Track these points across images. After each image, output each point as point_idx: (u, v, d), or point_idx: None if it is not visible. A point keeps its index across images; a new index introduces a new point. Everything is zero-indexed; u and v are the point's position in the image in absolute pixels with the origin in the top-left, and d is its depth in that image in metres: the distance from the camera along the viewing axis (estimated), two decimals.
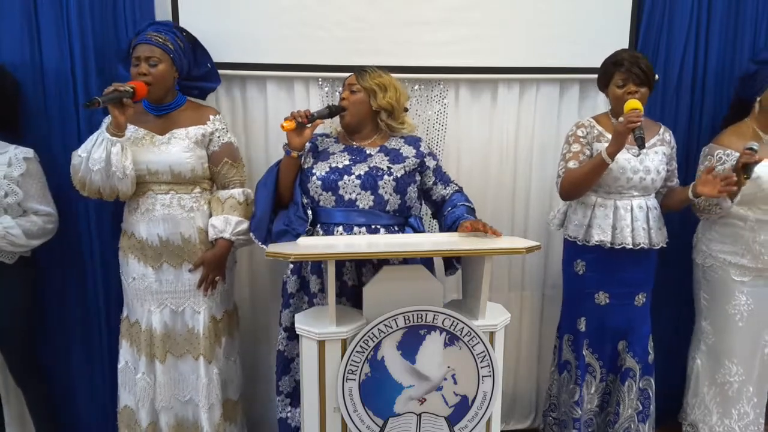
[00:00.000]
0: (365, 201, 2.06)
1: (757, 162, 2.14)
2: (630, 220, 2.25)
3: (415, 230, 2.14)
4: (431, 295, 1.90)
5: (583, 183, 2.21)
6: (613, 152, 2.09)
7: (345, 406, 1.84)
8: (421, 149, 2.17)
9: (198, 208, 2.15)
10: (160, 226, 2.10)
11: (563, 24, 2.51)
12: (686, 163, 2.62)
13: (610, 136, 2.19)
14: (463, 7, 2.43)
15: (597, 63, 2.31)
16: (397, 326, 1.83)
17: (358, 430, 1.85)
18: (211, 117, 2.19)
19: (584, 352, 2.39)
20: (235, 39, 2.38)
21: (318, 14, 2.39)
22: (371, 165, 2.07)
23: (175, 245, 2.13)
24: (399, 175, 2.08)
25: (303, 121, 2.04)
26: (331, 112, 2.12)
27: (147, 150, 2.08)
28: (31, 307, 2.27)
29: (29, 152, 2.16)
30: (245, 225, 2.15)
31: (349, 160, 2.10)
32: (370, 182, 2.05)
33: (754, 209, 2.34)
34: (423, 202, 2.23)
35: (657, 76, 2.54)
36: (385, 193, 2.06)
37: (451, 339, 1.87)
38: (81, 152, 2.01)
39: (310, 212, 2.09)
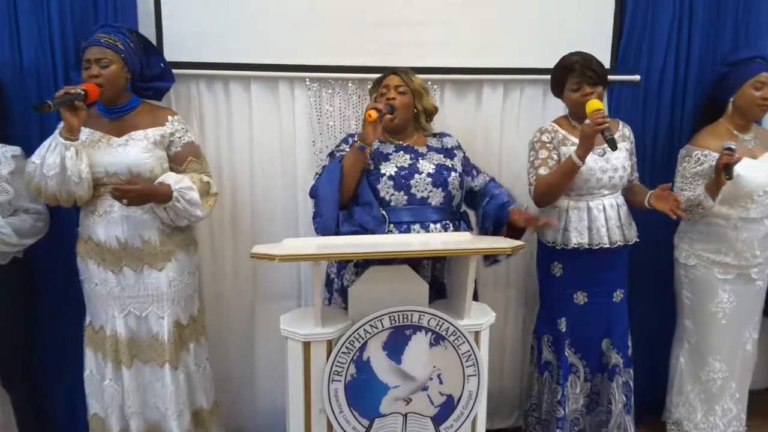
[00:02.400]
0: (437, 198, 2.10)
1: (736, 162, 2.18)
2: (604, 220, 2.28)
3: (468, 225, 2.22)
4: (417, 295, 1.90)
5: (556, 188, 2.23)
6: (582, 155, 2.11)
7: (331, 408, 1.83)
8: (457, 141, 2.25)
9: (165, 218, 2.10)
10: (118, 228, 2.06)
11: (547, 26, 2.53)
12: (667, 162, 2.65)
13: (574, 139, 2.21)
14: (449, 8, 2.43)
15: None
16: (383, 327, 1.82)
17: (344, 431, 1.84)
18: (170, 118, 2.16)
19: (566, 353, 2.40)
20: (218, 39, 2.36)
21: (304, 14, 2.38)
22: (435, 163, 2.12)
23: (135, 247, 2.09)
24: (460, 171, 2.17)
25: (383, 110, 2.02)
26: (392, 109, 2.10)
27: (104, 152, 2.05)
28: (24, 309, 2.24)
29: (17, 150, 2.14)
30: (194, 194, 2.06)
31: (411, 159, 2.12)
32: (440, 179, 2.09)
33: (736, 207, 2.37)
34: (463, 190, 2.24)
35: (639, 77, 2.57)
36: (453, 188, 2.13)
37: (437, 339, 1.87)
38: (35, 159, 1.98)
39: (384, 212, 2.07)
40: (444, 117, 2.55)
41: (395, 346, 1.85)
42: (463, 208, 2.30)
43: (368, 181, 2.09)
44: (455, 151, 2.21)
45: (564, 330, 2.39)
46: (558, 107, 2.60)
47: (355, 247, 1.87)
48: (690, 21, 2.59)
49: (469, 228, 2.21)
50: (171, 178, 2.05)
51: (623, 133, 2.38)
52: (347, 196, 2.07)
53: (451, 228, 2.11)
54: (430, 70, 2.46)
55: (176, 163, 2.15)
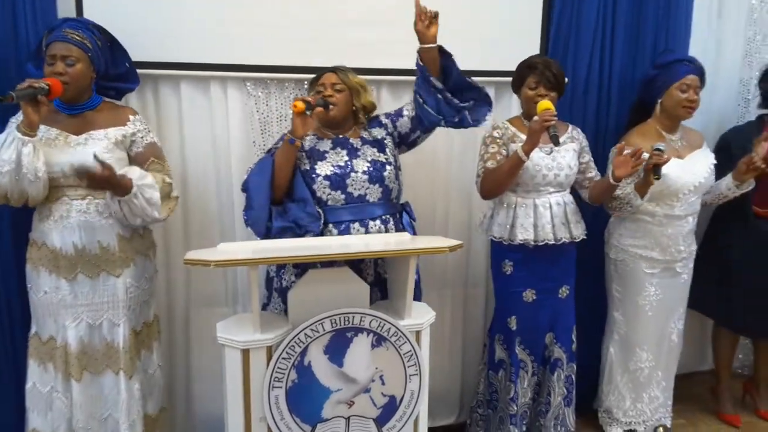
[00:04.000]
0: (375, 194, 2.09)
1: (665, 162, 2.28)
2: (550, 217, 2.33)
3: (410, 216, 2.23)
4: (358, 297, 1.89)
5: (501, 181, 2.28)
6: (528, 150, 2.17)
7: (271, 415, 1.79)
8: (382, 122, 2.23)
9: (117, 212, 2.01)
10: (75, 234, 1.96)
11: (479, 29, 2.56)
12: (595, 162, 2.75)
13: (523, 137, 2.27)
14: (387, 9, 2.43)
15: (511, 67, 2.38)
16: (324, 330, 1.80)
17: None
18: (131, 117, 2.08)
19: (516, 350, 2.45)
20: (144, 36, 2.26)
21: (237, 12, 2.32)
22: (369, 159, 2.10)
23: (92, 254, 1.99)
24: (393, 162, 2.16)
25: (311, 102, 2.00)
26: (326, 103, 2.07)
27: (61, 151, 1.94)
28: None
29: None
30: (155, 194, 1.99)
31: (347, 155, 2.10)
32: (376, 176, 2.09)
33: (661, 205, 2.48)
34: (418, 127, 2.20)
35: (567, 80, 2.66)
36: (390, 182, 2.13)
37: (379, 340, 1.86)
38: None
39: (320, 210, 2.04)
40: None
41: (337, 349, 1.83)
42: (403, 199, 2.27)
43: (304, 181, 2.06)
44: (385, 141, 2.19)
45: (514, 328, 2.43)
46: (501, 107, 2.67)
47: (294, 251, 1.84)
48: (613, 26, 2.69)
49: (411, 219, 2.22)
50: (135, 173, 1.96)
51: (573, 135, 2.45)
52: (280, 190, 2.05)
53: (391, 222, 2.12)
54: (366, 70, 2.44)
55: (137, 164, 2.06)
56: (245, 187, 2.07)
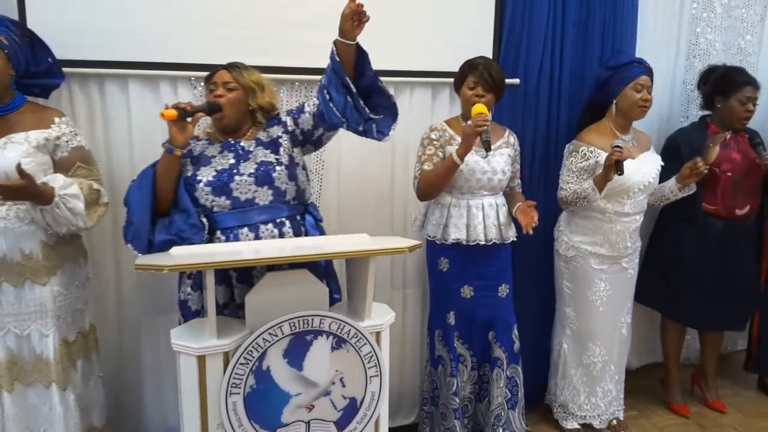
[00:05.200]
0: (265, 197, 1.98)
1: (626, 158, 2.34)
2: (482, 218, 2.37)
3: (315, 218, 2.11)
4: (317, 300, 1.87)
5: (437, 184, 2.31)
6: (462, 154, 2.20)
7: (229, 422, 1.75)
8: (282, 119, 2.10)
9: (39, 220, 1.91)
10: None
11: (434, 30, 2.58)
12: (546, 159, 2.81)
13: (460, 139, 2.29)
14: (338, 9, 2.41)
15: None
16: (283, 334, 1.77)
17: None
18: (56, 120, 1.98)
19: (455, 344, 2.48)
20: (91, 35, 2.19)
21: (188, 10, 2.27)
22: (258, 160, 1.99)
23: (15, 262, 1.90)
24: (287, 162, 2.02)
25: (188, 109, 1.89)
26: (211, 109, 1.98)
27: None
28: None
29: None
30: (79, 203, 1.90)
31: (233, 158, 1.99)
32: (264, 177, 1.97)
33: (612, 202, 2.55)
34: (320, 125, 2.07)
35: (518, 81, 2.70)
36: (282, 183, 2.00)
37: (339, 342, 1.84)
38: None
39: (204, 219, 1.95)
40: None
41: (296, 352, 1.80)
42: (311, 198, 2.20)
43: (186, 188, 1.96)
44: (281, 140, 2.06)
45: (453, 323, 2.47)
46: (444, 110, 2.69)
47: (247, 254, 1.78)
48: (562, 27, 2.75)
49: (317, 220, 2.12)
50: (58, 181, 1.87)
51: (508, 140, 2.48)
52: (166, 202, 1.96)
53: (288, 225, 2.01)
54: (321, 71, 2.42)
55: (62, 170, 1.96)
56: (125, 201, 1.97)
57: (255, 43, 2.35)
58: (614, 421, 2.78)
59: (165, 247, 1.88)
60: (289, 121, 2.09)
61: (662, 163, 2.64)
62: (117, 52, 2.24)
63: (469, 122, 2.17)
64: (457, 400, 2.47)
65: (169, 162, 1.93)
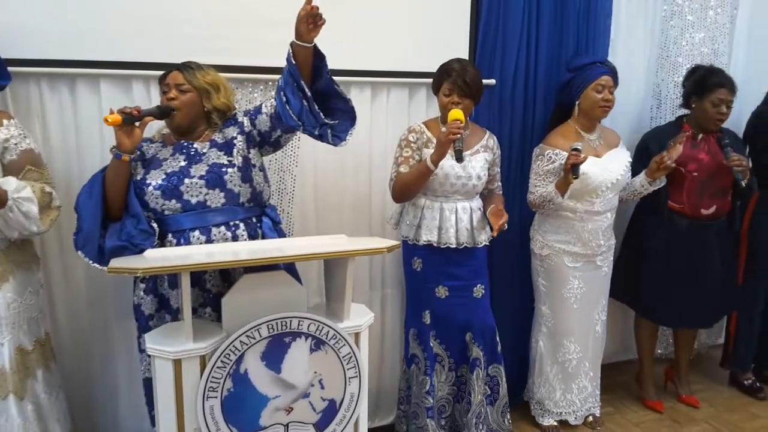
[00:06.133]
0: (217, 199, 1.94)
1: (582, 162, 2.37)
2: (455, 221, 2.38)
3: (273, 221, 2.07)
4: (295, 301, 1.85)
5: (411, 187, 2.32)
6: (436, 160, 2.21)
7: (207, 427, 1.72)
8: (238, 120, 2.06)
9: None
10: None
11: (411, 30, 2.59)
12: (522, 159, 2.83)
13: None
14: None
15: None
16: (261, 336, 1.75)
17: None
18: (5, 122, 1.93)
19: (431, 344, 2.49)
20: (60, 35, 2.14)
21: (159, 10, 2.23)
22: (210, 162, 1.96)
23: None
24: (240, 164, 1.98)
25: (134, 113, 1.85)
26: (161, 112, 1.95)
27: None
28: None
29: None
30: (33, 207, 1.85)
31: (185, 160, 1.96)
32: (214, 180, 1.93)
33: (582, 202, 2.58)
34: (278, 126, 2.03)
35: (494, 81, 2.72)
36: (234, 185, 1.96)
37: (317, 344, 1.83)
38: None
39: (155, 224, 1.92)
40: None
41: (274, 355, 1.78)
42: (269, 198, 2.17)
43: (136, 192, 1.93)
44: (235, 141, 2.01)
45: (428, 322, 2.47)
46: (421, 111, 2.69)
47: (222, 255, 1.76)
48: (537, 28, 2.78)
49: (275, 222, 2.08)
50: (11, 185, 1.82)
51: (487, 144, 2.48)
52: (117, 207, 1.93)
53: (242, 228, 1.98)
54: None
55: (12, 173, 1.90)
56: (75, 208, 1.94)
57: (229, 43, 2.31)
58: (590, 418, 2.82)
59: (117, 253, 1.85)
60: (245, 121, 2.06)
61: (630, 160, 2.68)
62: (89, 52, 2.19)
63: (443, 129, 2.16)
64: (431, 400, 2.47)
65: (117, 168, 1.90)
